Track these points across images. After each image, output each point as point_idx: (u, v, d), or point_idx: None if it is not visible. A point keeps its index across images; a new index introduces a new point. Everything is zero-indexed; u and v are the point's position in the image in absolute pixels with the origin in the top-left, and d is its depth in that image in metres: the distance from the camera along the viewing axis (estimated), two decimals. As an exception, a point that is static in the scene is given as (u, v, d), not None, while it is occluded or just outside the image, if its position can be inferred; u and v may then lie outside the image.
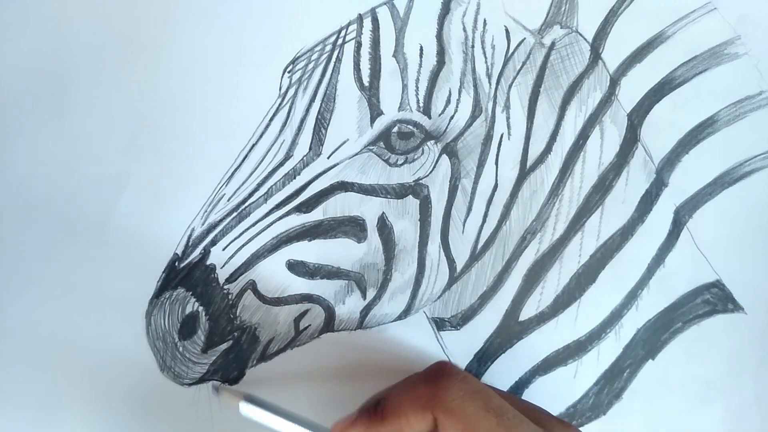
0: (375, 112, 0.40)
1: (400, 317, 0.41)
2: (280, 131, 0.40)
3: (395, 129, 0.40)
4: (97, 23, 0.39)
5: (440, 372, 0.34)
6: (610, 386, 0.43)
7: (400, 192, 0.40)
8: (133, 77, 0.40)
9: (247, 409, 0.37)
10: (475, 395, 0.33)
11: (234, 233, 0.39)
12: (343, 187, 0.40)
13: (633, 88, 0.42)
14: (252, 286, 0.39)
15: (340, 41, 0.40)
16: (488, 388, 0.34)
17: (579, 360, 0.42)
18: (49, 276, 0.40)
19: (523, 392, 0.42)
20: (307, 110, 0.40)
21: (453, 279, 0.41)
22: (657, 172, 0.42)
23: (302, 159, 0.40)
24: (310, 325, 0.40)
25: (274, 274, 0.39)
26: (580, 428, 0.42)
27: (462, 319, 0.42)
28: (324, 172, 0.40)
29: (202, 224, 0.40)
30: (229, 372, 0.40)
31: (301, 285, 0.40)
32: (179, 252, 0.40)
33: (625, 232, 0.42)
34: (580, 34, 0.41)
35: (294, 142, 0.40)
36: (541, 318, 0.42)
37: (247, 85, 0.40)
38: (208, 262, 0.39)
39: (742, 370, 0.43)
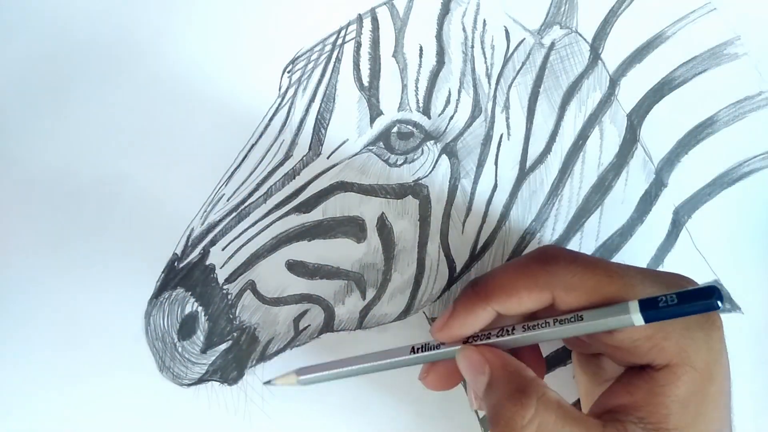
0: (375, 112, 0.40)
1: (399, 317, 0.41)
2: (280, 131, 0.40)
3: (395, 129, 0.40)
4: (96, 23, 0.39)
5: (550, 253, 0.33)
6: (608, 386, 0.43)
7: (399, 192, 0.40)
8: (133, 77, 0.39)
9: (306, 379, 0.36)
10: (594, 266, 0.31)
11: (233, 233, 0.39)
12: (342, 187, 0.40)
13: (633, 89, 0.42)
14: (251, 286, 0.39)
15: (339, 41, 0.40)
16: (602, 259, 0.33)
17: (578, 360, 0.42)
18: (49, 276, 0.40)
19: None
20: (307, 110, 0.40)
21: (453, 279, 0.41)
22: (656, 172, 0.42)
23: (302, 159, 0.40)
24: (309, 325, 0.40)
25: (273, 274, 0.39)
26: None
27: (461, 319, 0.42)
28: (324, 172, 0.40)
29: (202, 224, 0.40)
30: (228, 372, 0.40)
31: (300, 285, 0.40)
32: (178, 252, 0.39)
33: (624, 233, 0.42)
34: (580, 35, 0.41)
35: (293, 142, 0.40)
36: (541, 318, 0.42)
37: (246, 85, 0.40)
38: (208, 262, 0.39)
39: (738, 370, 0.43)
